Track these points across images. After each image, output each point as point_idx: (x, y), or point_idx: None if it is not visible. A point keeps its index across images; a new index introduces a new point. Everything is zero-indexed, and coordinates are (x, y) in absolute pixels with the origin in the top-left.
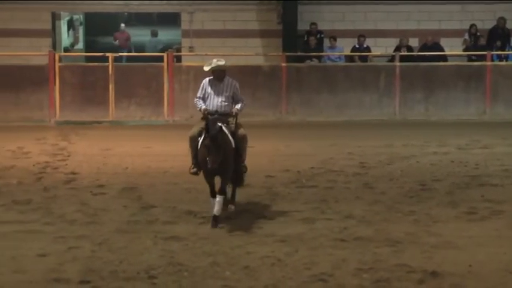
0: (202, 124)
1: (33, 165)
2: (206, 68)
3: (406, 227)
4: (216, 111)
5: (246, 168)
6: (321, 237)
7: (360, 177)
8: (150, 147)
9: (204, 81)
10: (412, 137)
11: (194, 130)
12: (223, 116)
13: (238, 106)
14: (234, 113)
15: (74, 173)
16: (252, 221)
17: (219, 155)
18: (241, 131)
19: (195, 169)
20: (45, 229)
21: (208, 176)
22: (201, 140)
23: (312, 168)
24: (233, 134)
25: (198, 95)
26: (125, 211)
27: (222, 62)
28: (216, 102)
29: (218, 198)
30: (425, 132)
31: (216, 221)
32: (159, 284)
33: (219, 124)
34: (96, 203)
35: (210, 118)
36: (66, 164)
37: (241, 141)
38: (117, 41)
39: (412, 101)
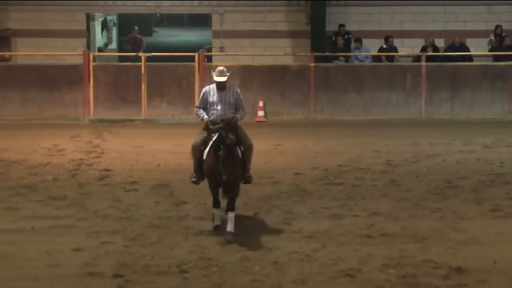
0: (205, 134)
1: (68, 162)
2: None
3: (432, 224)
4: (222, 120)
5: (251, 178)
6: (348, 233)
7: (386, 175)
8: (181, 145)
9: (204, 89)
10: (438, 136)
11: (197, 140)
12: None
13: (238, 115)
14: (234, 120)
15: (107, 170)
16: (280, 217)
17: (234, 166)
18: (247, 141)
19: (195, 178)
20: (80, 224)
21: (214, 186)
22: (206, 150)
23: (340, 165)
24: (239, 144)
25: (199, 104)
26: (157, 207)
27: (224, 74)
28: (219, 111)
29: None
30: (451, 131)
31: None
32: (190, 278)
33: (232, 137)
34: (128, 199)
35: (213, 128)
36: (100, 161)
37: (247, 151)
38: (130, 45)
39: (438, 101)
